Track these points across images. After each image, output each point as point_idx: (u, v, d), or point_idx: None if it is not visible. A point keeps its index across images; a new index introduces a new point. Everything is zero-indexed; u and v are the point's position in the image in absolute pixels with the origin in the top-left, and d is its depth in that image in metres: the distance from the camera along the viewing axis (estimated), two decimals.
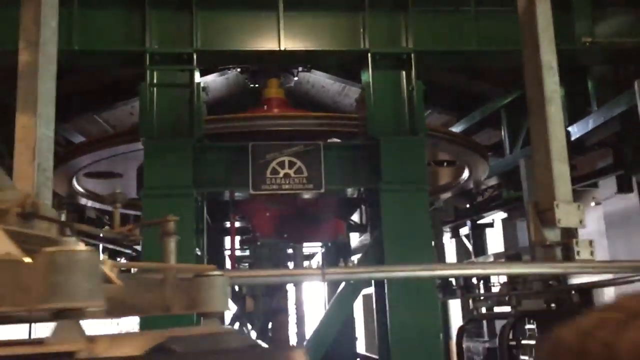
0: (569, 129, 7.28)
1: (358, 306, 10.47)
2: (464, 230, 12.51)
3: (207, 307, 1.70)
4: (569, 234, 4.66)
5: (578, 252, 4.48)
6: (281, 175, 5.91)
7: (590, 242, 4.53)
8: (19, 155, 3.94)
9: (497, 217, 11.70)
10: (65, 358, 1.25)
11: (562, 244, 4.54)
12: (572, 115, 7.38)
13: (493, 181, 10.11)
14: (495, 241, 13.00)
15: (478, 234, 11.90)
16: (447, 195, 8.78)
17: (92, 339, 1.30)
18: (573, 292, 7.57)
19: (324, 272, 4.53)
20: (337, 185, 6.25)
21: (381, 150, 5.95)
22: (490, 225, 12.13)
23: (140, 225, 2.09)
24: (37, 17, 4.06)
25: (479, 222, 11.83)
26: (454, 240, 12.98)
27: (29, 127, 3.98)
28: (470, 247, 12.03)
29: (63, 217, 4.21)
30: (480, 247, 11.90)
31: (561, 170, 4.69)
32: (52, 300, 1.24)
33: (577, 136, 7.37)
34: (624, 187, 8.01)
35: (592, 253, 4.50)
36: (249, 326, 7.56)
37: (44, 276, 1.26)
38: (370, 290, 6.75)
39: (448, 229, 12.32)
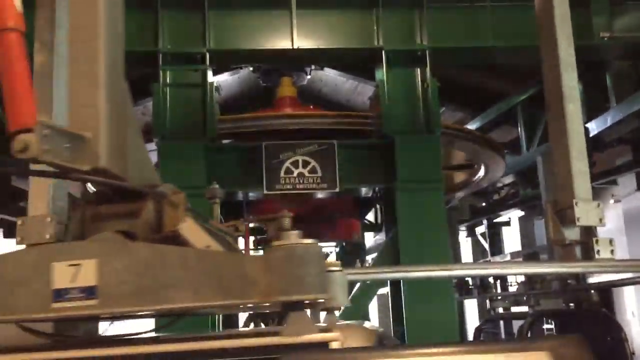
0: (587, 125, 7.17)
1: (373, 305, 10.42)
2: (480, 229, 12.38)
3: (328, 302, 1.69)
4: (588, 232, 4.55)
5: (598, 251, 4.37)
6: (295, 174, 5.87)
7: (611, 241, 4.39)
8: None
9: (514, 215, 11.58)
10: (320, 347, 1.32)
11: (581, 243, 4.44)
12: (591, 111, 7.26)
13: (509, 179, 10.00)
14: (512, 240, 12.85)
15: (494, 233, 11.78)
16: (462, 193, 8.67)
17: (326, 330, 1.36)
18: (592, 291, 7.41)
19: (342, 273, 4.48)
20: (352, 185, 6.21)
21: (396, 149, 5.89)
22: (507, 223, 12.00)
23: (250, 220, 2.14)
24: (52, 18, 4.09)
25: (495, 220, 11.70)
26: (469, 239, 12.84)
27: None
28: (486, 246, 11.91)
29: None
30: (496, 246, 11.78)
31: (580, 168, 4.56)
32: (287, 292, 1.27)
33: (596, 132, 7.24)
34: None
35: (612, 252, 4.39)
36: (263, 326, 7.53)
37: (279, 269, 1.27)
38: (386, 289, 6.68)
39: (464, 228, 12.20)
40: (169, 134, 5.74)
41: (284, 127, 6.04)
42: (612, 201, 10.14)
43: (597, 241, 4.43)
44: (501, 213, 11.25)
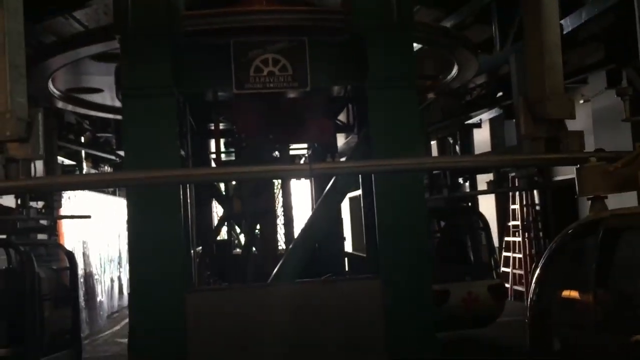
0: (561, 22, 7.05)
1: (345, 208, 10.60)
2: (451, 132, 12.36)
3: None
4: (559, 126, 4.62)
5: (567, 144, 4.45)
6: (265, 73, 5.72)
7: (580, 133, 4.50)
8: None
9: (485, 117, 11.60)
10: None
11: (552, 136, 4.50)
12: (565, 6, 7.12)
13: (481, 80, 9.96)
14: (482, 143, 12.96)
15: (465, 135, 11.79)
16: (433, 94, 8.57)
17: None
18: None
19: (311, 167, 4.49)
20: (324, 83, 6.07)
21: (368, 46, 5.69)
22: (478, 125, 12.02)
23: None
24: None
25: (466, 122, 11.68)
26: (440, 142, 12.79)
27: None
28: (457, 148, 11.97)
29: (39, 116, 4.10)
30: (467, 148, 11.83)
31: (553, 61, 4.58)
32: None
33: (570, 30, 7.15)
34: (614, 81, 7.90)
35: (581, 145, 4.48)
36: (237, 228, 7.65)
37: None
38: (357, 193, 6.74)
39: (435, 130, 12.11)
40: (132, 31, 5.46)
41: (252, 23, 5.78)
42: (581, 101, 10.23)
43: (566, 134, 4.54)
44: (472, 115, 11.25)
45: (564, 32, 7.11)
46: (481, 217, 10.35)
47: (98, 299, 13.85)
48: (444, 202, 10.45)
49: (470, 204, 11.73)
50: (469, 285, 9.00)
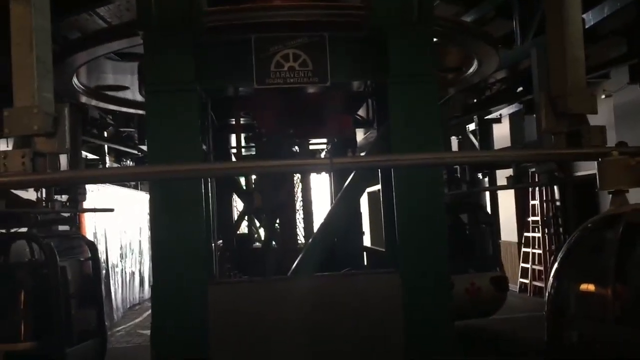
0: (583, 16, 6.99)
1: (364, 203, 10.64)
2: (471, 127, 12.31)
3: None
4: (580, 121, 4.59)
5: (589, 139, 4.42)
6: (286, 68, 5.71)
7: (602, 128, 4.47)
8: (17, 47, 3.89)
9: (505, 112, 11.53)
10: None
11: (573, 131, 4.48)
12: (587, 1, 7.06)
13: (501, 75, 9.91)
14: (502, 138, 12.87)
15: (485, 130, 11.73)
16: (454, 89, 8.55)
17: None
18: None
19: (332, 162, 4.48)
20: (343, 79, 6.06)
21: (388, 42, 5.65)
22: (498, 120, 11.97)
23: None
24: None
25: (485, 117, 11.64)
26: (460, 136, 12.83)
27: (23, 17, 3.89)
28: (476, 143, 11.91)
29: (66, 111, 4.19)
30: (486, 143, 11.76)
31: (575, 55, 4.55)
32: None
33: (592, 24, 7.10)
34: (637, 76, 7.82)
35: (603, 140, 4.45)
36: (257, 222, 7.72)
37: None
38: (376, 187, 6.70)
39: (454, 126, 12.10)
40: (154, 27, 5.48)
41: (273, 18, 5.81)
42: (603, 96, 10.13)
43: (588, 129, 4.51)
44: (492, 110, 11.21)
45: (586, 27, 7.05)
46: (485, 212, 10.92)
47: (116, 291, 14.05)
48: (449, 198, 10.61)
49: (475, 200, 12.16)
50: (472, 277, 9.35)
